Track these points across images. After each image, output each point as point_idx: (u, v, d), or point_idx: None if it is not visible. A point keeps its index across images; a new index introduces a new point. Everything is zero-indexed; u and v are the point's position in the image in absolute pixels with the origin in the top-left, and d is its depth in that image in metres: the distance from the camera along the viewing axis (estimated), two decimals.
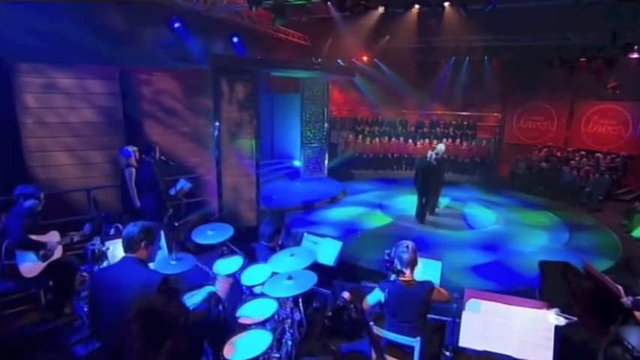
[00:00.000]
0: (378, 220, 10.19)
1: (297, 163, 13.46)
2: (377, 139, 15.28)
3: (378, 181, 13.96)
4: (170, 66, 8.96)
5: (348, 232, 9.35)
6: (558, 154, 14.91)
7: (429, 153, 9.89)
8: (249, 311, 3.43)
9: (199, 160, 9.58)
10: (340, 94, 17.79)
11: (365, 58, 17.33)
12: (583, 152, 14.36)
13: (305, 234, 5.51)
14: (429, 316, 3.91)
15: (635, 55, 13.53)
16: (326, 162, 13.69)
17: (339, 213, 10.60)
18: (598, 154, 14.01)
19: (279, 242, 4.46)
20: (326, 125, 13.43)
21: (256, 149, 9.78)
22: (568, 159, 14.23)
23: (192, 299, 3.49)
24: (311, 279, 3.29)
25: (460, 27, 14.86)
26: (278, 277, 3.35)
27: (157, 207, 6.11)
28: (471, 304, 3.25)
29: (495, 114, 16.44)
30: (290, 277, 3.26)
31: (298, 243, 5.51)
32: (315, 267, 3.76)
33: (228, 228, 4.23)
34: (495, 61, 16.08)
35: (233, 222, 9.70)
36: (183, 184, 7.08)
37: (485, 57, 15.99)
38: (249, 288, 3.71)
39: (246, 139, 9.67)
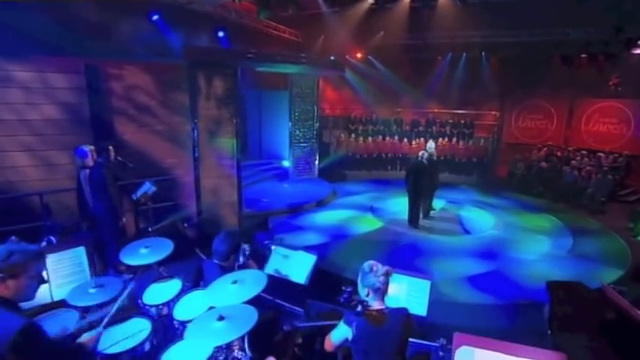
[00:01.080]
0: (368, 224, 9.38)
1: (286, 164, 12.65)
2: (370, 139, 14.43)
3: (371, 182, 13.15)
4: (143, 59, 8.13)
5: (335, 237, 8.54)
6: (558, 153, 14.08)
7: (421, 152, 9.08)
8: (179, 355, 2.62)
9: (176, 161, 8.81)
10: (334, 93, 17.00)
11: (359, 55, 16.50)
12: (584, 152, 13.52)
13: (273, 247, 4.69)
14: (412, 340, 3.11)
15: (638, 51, 12.72)
16: (316, 162, 12.87)
17: (327, 217, 9.79)
18: (600, 154, 13.18)
19: (238, 262, 3.64)
20: (316, 124, 12.61)
21: (237, 149, 8.96)
22: (569, 159, 13.40)
23: (115, 335, 2.67)
24: (250, 317, 2.47)
25: (456, 22, 14.12)
26: (207, 317, 2.52)
27: (108, 214, 5.29)
28: (461, 353, 2.42)
29: (493, 112, 15.61)
30: (221, 318, 2.43)
31: (267, 257, 4.69)
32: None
33: (167, 244, 3.41)
34: (493, 57, 15.27)
35: (213, 227, 9.04)
36: (147, 188, 6.28)
37: (483, 53, 15.17)
38: (183, 324, 2.90)
39: (226, 138, 8.85)
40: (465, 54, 15.34)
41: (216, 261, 3.53)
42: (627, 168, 12.72)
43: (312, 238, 8.44)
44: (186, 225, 8.60)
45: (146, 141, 8.41)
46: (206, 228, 8.95)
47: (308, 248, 7.94)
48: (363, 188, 12.38)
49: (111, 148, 5.43)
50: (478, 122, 15.42)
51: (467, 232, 9.06)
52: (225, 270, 3.47)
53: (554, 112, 15.58)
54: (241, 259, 3.70)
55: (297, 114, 12.25)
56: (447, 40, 15.30)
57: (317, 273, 7.17)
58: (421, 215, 9.52)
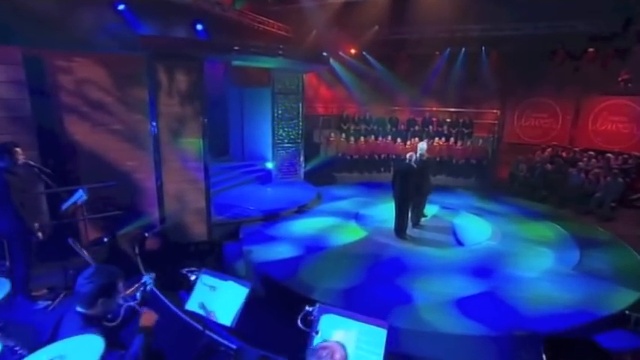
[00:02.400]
0: (350, 233, 8.29)
1: (269, 166, 11.58)
2: (362, 139, 13.30)
3: (362, 185, 12.03)
4: (95, 50, 7.12)
5: (310, 250, 7.46)
6: (564, 154, 12.86)
7: (409, 154, 7.98)
8: None
9: (136, 164, 7.79)
10: (328, 91, 15.94)
11: (352, 51, 15.41)
12: (592, 152, 12.29)
13: (202, 275, 3.63)
14: None
15: None
16: (302, 164, 11.80)
17: (305, 225, 8.72)
18: (609, 155, 11.93)
19: (111, 308, 2.57)
20: (301, 123, 11.53)
21: (205, 151, 7.94)
22: (575, 160, 12.17)
23: None
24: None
25: (454, 14, 13.01)
26: None
27: (12, 229, 4.26)
28: None
29: (494, 111, 14.40)
30: None
31: (192, 285, 3.63)
32: None
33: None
34: (494, 52, 14.15)
35: (178, 236, 8.01)
36: (78, 197, 5.24)
37: (483, 48, 14.05)
38: None
39: (191, 138, 7.87)
40: (463, 49, 14.22)
41: (78, 309, 2.46)
42: (638, 170, 11.46)
43: (284, 251, 7.38)
44: (147, 234, 7.59)
45: (102, 142, 7.40)
46: (171, 237, 7.96)
47: (276, 262, 6.98)
48: (351, 192, 11.27)
49: (18, 149, 4.38)
50: (478, 121, 14.23)
51: (460, 243, 7.92)
52: (89, 322, 2.42)
53: (559, 111, 14.40)
54: (122, 302, 2.62)
55: (280, 112, 11.20)
56: (445, 34, 14.24)
57: (279, 293, 6.17)
58: (410, 223, 8.42)
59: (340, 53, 15.24)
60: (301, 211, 9.54)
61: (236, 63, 9.79)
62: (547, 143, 13.67)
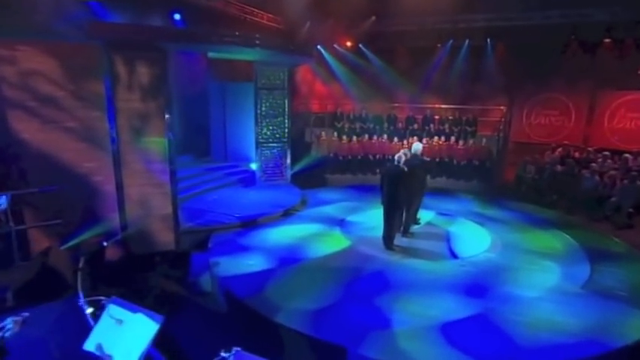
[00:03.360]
0: (332, 243, 7.64)
1: (254, 167, 10.96)
2: (355, 138, 12.62)
3: (352, 188, 11.34)
4: (43, 38, 6.55)
5: (284, 262, 6.83)
6: (576, 154, 12.05)
7: (397, 155, 7.31)
8: None
9: (94, 165, 7.25)
10: (324, 87, 15.30)
11: (348, 44, 14.78)
12: (607, 153, 11.47)
13: (109, 305, 3.00)
14: None
15: None
16: (288, 165, 11.16)
17: (284, 233, 8.09)
18: (626, 155, 11.10)
19: None
20: (287, 121, 10.89)
21: (171, 151, 7.36)
22: (589, 161, 11.35)
23: None
24: None
25: (458, 3, 12.31)
26: None
27: None
28: None
29: (501, 107, 13.62)
30: None
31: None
32: None
33: None
34: (500, 44, 13.49)
35: (142, 245, 7.41)
36: None
37: (488, 40, 13.34)
38: None
39: (155, 137, 7.27)
40: (467, 41, 13.51)
41: None
42: None
43: (255, 263, 6.75)
44: (106, 244, 7.02)
45: (54, 141, 6.85)
46: (133, 246, 7.39)
47: (243, 277, 6.35)
48: (340, 196, 10.60)
49: None
50: (483, 119, 13.48)
51: (454, 255, 7.21)
52: None
53: (571, 107, 13.65)
54: None
55: (264, 109, 10.57)
56: (447, 25, 13.57)
57: (241, 313, 5.54)
58: (400, 231, 7.76)
59: (335, 46, 14.65)
60: (282, 217, 8.91)
61: (212, 55, 9.20)
62: (558, 142, 12.90)
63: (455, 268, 6.69)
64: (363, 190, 11.00)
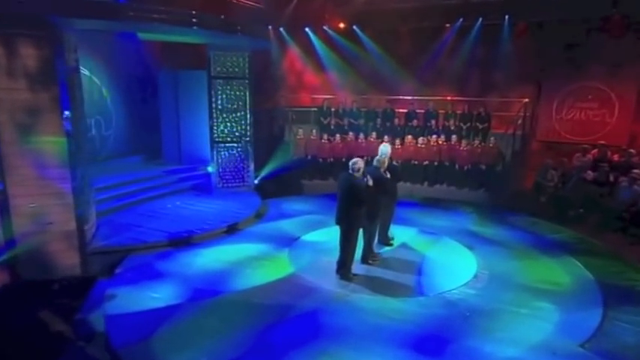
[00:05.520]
0: (271, 270, 6.62)
1: (212, 170, 10.06)
2: (338, 137, 11.52)
3: (327, 197, 10.06)
4: None
5: (197, 295, 5.87)
6: (615, 157, 10.54)
7: (352, 162, 6.28)
8: None
9: None
10: (315, 78, 14.28)
11: (341, 25, 13.71)
12: None
13: None
14: None
15: None
16: (251, 169, 10.20)
17: (218, 255, 7.14)
18: None
19: None
20: (249, 115, 9.93)
21: (71, 153, 6.52)
22: (628, 166, 9.82)
23: None
24: None
25: None
26: None
27: None
28: None
29: (524, 100, 12.20)
30: None
31: None
32: None
33: None
34: (521, 23, 12.02)
35: (36, 270, 6.57)
36: None
37: (506, 17, 11.93)
38: None
39: (50, 136, 6.44)
40: (480, 19, 12.19)
41: None
42: None
43: (161, 296, 5.81)
44: None
45: None
46: (22, 270, 6.58)
47: (133, 316, 5.41)
48: (309, 207, 9.55)
49: None
50: (499, 113, 12.13)
51: (420, 290, 6.00)
52: None
53: (614, 99, 12.06)
54: None
55: (220, 102, 9.64)
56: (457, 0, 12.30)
57: None
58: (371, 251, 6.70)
59: (325, 28, 13.62)
60: (225, 234, 7.96)
61: (143, 36, 8.33)
62: (594, 143, 11.38)
63: (415, 309, 5.51)
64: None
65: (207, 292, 5.95)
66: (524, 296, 5.80)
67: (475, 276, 6.35)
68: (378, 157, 6.92)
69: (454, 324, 5.19)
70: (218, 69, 9.50)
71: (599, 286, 6.05)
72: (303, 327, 5.15)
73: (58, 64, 6.31)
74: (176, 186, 9.87)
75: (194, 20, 7.54)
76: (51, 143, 6.47)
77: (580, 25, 11.42)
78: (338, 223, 6.32)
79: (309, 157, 11.36)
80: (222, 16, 8.22)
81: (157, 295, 5.85)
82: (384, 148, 7.12)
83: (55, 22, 6.27)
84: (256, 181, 10.67)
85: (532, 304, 5.59)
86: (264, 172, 10.74)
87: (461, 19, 12.45)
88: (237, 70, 9.68)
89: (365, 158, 7.28)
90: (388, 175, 6.95)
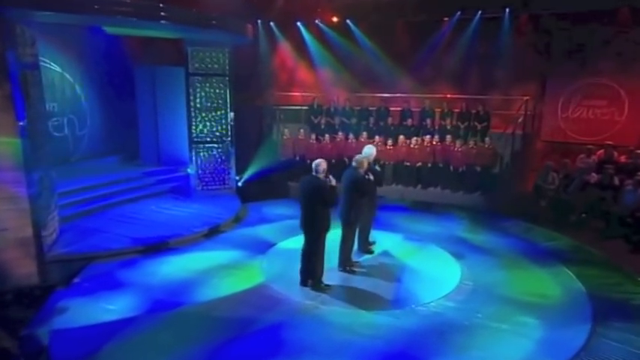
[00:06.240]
0: (240, 279, 6.42)
1: (192, 171, 9.89)
2: (327, 137, 11.30)
3: None
4: None
5: (157, 306, 5.68)
6: (622, 159, 10.19)
7: (315, 163, 6.06)
8: None
9: None
10: (308, 75, 14.08)
11: (334, 19, 13.52)
12: None
13: None
14: None
15: None
16: (232, 170, 10.01)
17: (186, 263, 6.94)
18: None
19: None
20: (230, 114, 9.74)
21: (24, 155, 6.35)
22: (636, 169, 9.48)
23: None
24: None
25: None
26: None
27: None
28: None
29: (524, 97, 11.89)
30: None
31: None
32: None
33: None
34: (523, 15, 11.81)
35: None
36: None
37: (507, 10, 11.68)
38: None
39: (1, 137, 6.26)
40: (480, 12, 11.97)
41: None
42: None
43: (116, 308, 5.61)
44: None
45: None
46: None
47: (79, 331, 5.20)
48: (291, 211, 9.10)
49: None
50: (499, 112, 11.85)
51: (396, 303, 5.74)
52: None
53: (624, 96, 11.71)
54: None
55: (199, 100, 9.46)
56: None
57: None
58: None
59: (317, 22, 13.43)
60: (200, 239, 7.77)
61: (110, 30, 8.16)
62: (601, 143, 11.04)
63: (388, 323, 5.25)
64: None
65: (167, 303, 5.74)
66: (507, 310, 5.51)
67: (456, 287, 6.07)
68: (356, 157, 6.69)
69: (427, 340, 4.93)
70: (196, 65, 9.33)
71: (591, 300, 5.74)
72: (262, 343, 4.92)
73: (9, 59, 6.13)
74: (153, 189, 9.74)
75: (162, 14, 7.35)
76: (3, 144, 6.29)
77: (585, 18, 11.14)
78: (302, 228, 6.09)
79: (297, 157, 11.15)
80: (195, 10, 8.02)
81: (112, 307, 5.64)
82: (368, 150, 6.94)
83: (6, 14, 6.08)
84: (240, 183, 10.53)
85: (515, 319, 5.30)
86: (248, 174, 10.51)
87: (459, 12, 12.26)
88: (216, 66, 9.51)
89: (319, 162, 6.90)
90: (371, 177, 6.73)
